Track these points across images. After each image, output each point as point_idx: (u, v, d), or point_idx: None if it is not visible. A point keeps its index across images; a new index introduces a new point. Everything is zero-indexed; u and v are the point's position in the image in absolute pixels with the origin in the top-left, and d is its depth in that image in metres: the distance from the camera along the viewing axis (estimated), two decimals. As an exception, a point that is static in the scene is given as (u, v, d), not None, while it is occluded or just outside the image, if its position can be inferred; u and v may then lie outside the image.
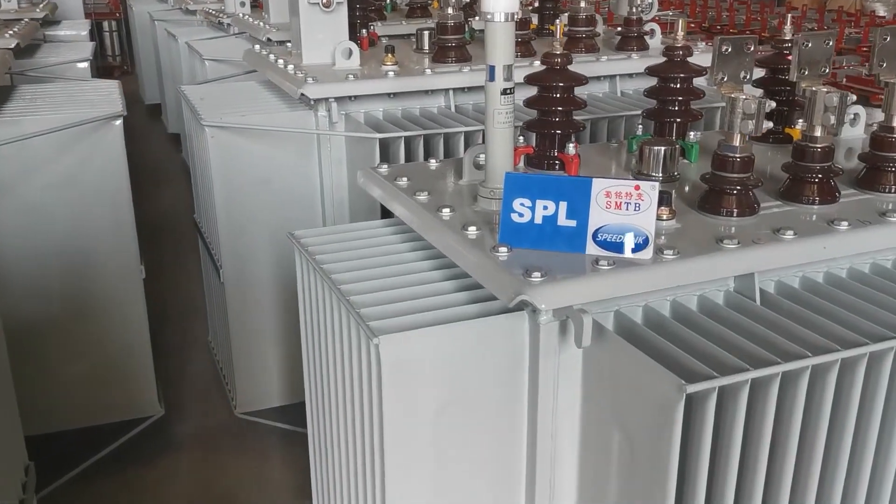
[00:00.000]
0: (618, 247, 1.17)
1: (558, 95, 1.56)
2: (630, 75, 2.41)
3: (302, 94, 2.05)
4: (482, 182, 1.40)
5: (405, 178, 1.52)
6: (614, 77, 2.40)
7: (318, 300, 1.43)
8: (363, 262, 1.39)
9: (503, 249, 1.19)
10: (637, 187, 1.17)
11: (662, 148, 1.48)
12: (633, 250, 1.17)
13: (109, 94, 2.29)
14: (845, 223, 1.27)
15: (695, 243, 1.21)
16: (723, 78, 1.36)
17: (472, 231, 1.27)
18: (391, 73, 2.15)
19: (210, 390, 2.71)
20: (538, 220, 1.20)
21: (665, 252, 1.17)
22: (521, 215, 1.21)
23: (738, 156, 1.29)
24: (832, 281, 1.29)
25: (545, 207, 1.20)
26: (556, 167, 1.56)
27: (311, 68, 2.22)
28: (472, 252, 1.22)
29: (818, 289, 1.27)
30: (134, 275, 2.18)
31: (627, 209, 1.17)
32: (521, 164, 1.61)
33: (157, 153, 5.65)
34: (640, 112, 1.71)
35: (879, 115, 1.44)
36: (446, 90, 2.20)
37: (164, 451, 2.42)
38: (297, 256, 1.50)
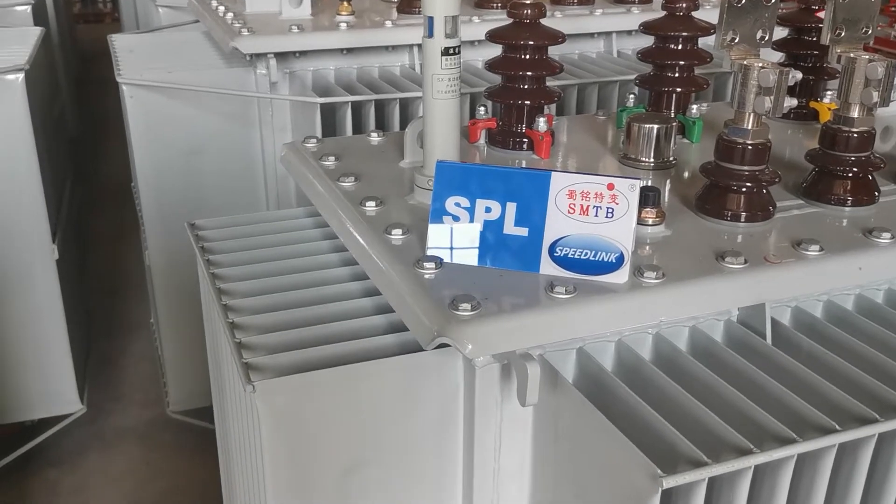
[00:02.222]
0: (582, 266, 0.87)
1: (527, 57, 1.24)
2: (629, 32, 2.07)
3: (234, 48, 1.73)
4: (420, 168, 1.09)
5: (333, 157, 1.22)
6: (610, 34, 2.07)
7: (212, 310, 1.13)
8: (266, 267, 1.10)
9: (430, 266, 0.89)
10: (611, 186, 0.86)
11: (655, 126, 1.17)
12: (603, 271, 0.87)
13: (22, 43, 1.96)
14: (887, 235, 0.96)
15: (687, 261, 0.91)
16: (733, 39, 1.04)
17: (397, 235, 0.97)
18: (343, 25, 1.82)
19: (148, 381, 2.44)
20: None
21: (646, 274, 0.87)
22: (456, 219, 0.91)
23: (749, 142, 0.98)
24: (866, 310, 0.99)
25: (488, 209, 0.90)
26: (524, 147, 1.26)
27: (253, 17, 1.89)
28: (391, 265, 0.92)
29: (848, 321, 0.97)
30: (45, 257, 1.88)
31: (597, 215, 0.87)
32: (482, 141, 1.30)
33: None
34: (633, 78, 1.39)
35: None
36: (410, 46, 1.87)
37: (93, 450, 2.17)
38: (197, 253, 1.21)
